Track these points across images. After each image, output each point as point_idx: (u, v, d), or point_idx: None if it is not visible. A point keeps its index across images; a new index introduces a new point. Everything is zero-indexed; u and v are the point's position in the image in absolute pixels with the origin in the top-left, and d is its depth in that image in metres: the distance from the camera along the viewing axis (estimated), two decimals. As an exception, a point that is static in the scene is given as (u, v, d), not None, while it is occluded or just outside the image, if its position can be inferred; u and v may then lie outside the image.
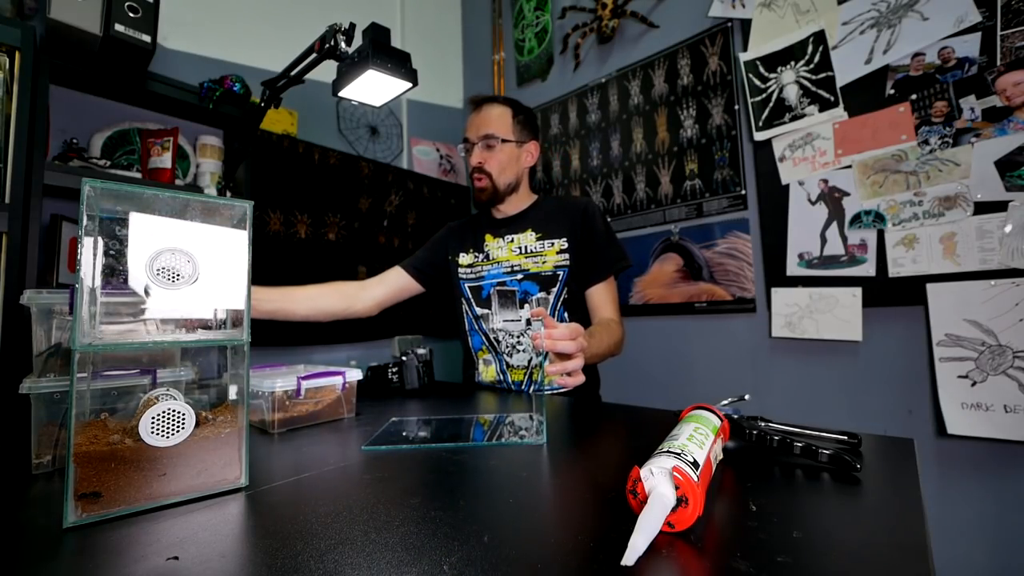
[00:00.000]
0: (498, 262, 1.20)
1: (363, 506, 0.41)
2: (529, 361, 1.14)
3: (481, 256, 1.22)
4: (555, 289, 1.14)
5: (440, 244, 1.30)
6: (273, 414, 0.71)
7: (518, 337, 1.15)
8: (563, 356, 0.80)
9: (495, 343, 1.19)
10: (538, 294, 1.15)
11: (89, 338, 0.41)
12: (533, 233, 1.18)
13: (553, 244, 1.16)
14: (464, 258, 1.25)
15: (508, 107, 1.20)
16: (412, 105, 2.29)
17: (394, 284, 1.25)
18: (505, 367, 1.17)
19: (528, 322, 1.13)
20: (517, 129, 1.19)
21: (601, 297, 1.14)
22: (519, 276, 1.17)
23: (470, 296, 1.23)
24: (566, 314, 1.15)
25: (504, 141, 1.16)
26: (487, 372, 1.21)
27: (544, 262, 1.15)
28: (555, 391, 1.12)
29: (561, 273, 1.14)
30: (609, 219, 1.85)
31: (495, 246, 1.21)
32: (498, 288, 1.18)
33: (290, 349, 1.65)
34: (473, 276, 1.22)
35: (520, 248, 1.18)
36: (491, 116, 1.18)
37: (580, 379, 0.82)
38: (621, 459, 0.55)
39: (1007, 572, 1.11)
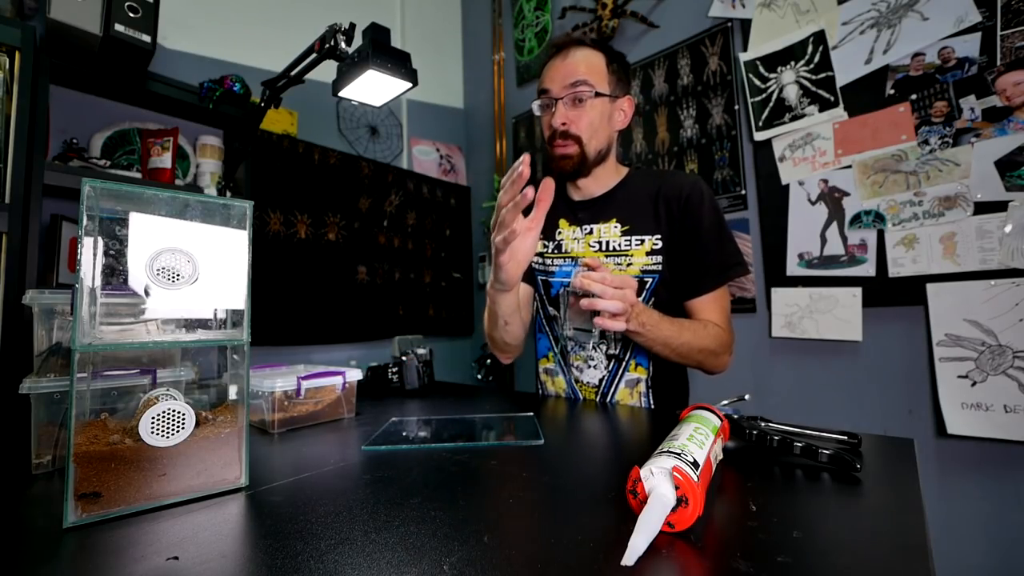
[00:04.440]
0: (572, 257, 0.97)
1: (363, 506, 0.41)
2: (601, 381, 0.94)
3: (552, 246, 1.00)
4: (640, 298, 0.87)
5: None
6: (273, 414, 0.71)
7: (591, 350, 0.95)
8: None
9: (564, 355, 0.99)
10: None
11: (89, 338, 0.41)
12: (619, 225, 0.93)
13: (643, 242, 0.91)
14: None
15: (601, 52, 0.93)
16: (412, 105, 2.29)
17: (523, 296, 1.01)
18: (574, 382, 0.98)
19: (602, 334, 0.86)
20: (612, 81, 0.92)
21: (708, 312, 0.89)
22: None
23: (543, 291, 1.02)
24: None
25: (598, 94, 0.90)
26: (553, 384, 1.02)
27: (629, 264, 0.91)
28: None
29: (649, 280, 0.90)
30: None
31: (570, 236, 0.98)
32: (569, 290, 0.90)
33: (290, 349, 1.65)
34: (543, 268, 1.01)
35: (600, 243, 0.94)
36: (581, 62, 0.91)
37: (618, 325, 0.73)
38: (621, 459, 0.55)
39: (1007, 572, 1.11)
